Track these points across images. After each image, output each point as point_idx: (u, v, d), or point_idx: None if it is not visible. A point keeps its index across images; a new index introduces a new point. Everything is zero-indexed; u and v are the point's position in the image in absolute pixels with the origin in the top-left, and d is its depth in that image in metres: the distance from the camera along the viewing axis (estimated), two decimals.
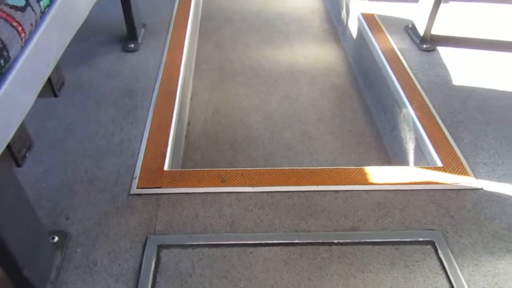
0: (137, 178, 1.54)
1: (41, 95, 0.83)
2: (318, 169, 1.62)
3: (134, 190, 1.50)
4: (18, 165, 0.90)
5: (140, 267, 1.27)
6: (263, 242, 1.36)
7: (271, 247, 1.34)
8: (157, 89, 1.98)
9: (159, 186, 1.52)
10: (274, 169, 1.61)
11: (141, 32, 2.35)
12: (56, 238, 1.33)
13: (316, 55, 2.88)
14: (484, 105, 1.93)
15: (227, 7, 3.45)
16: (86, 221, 1.40)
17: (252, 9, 3.42)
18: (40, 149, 1.63)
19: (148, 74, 2.07)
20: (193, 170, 1.60)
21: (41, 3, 0.80)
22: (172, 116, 1.83)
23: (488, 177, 1.58)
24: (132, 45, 2.26)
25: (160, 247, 1.33)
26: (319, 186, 1.53)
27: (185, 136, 2.20)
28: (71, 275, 1.25)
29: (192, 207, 1.45)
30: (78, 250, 1.31)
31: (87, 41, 2.30)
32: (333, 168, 1.62)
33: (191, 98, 2.46)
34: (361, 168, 1.63)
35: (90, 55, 2.20)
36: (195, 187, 1.52)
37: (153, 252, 1.31)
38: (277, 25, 3.21)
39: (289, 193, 1.51)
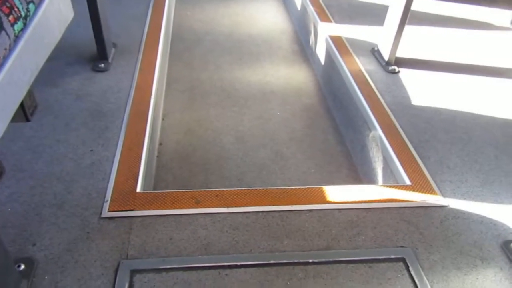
0: (109, 201, 1.51)
1: (13, 119, 0.81)
2: (292, 188, 1.63)
3: (106, 213, 1.46)
4: None
5: None
6: (238, 263, 1.35)
7: (246, 269, 1.34)
8: (129, 109, 1.95)
9: (132, 208, 1.49)
10: (249, 190, 1.61)
11: (111, 52, 2.33)
12: (23, 266, 1.27)
13: (286, 75, 2.94)
14: (447, 125, 2.02)
15: (197, 28, 3.48)
16: (54, 247, 1.35)
17: (222, 30, 3.47)
18: (6, 172, 1.57)
19: (119, 94, 2.05)
20: (166, 192, 1.59)
21: (15, 26, 0.79)
22: (144, 137, 1.81)
23: (454, 194, 1.65)
24: (102, 65, 2.24)
25: (133, 272, 1.30)
26: (293, 206, 1.55)
27: (157, 156, 2.18)
28: None
29: (166, 230, 1.43)
30: (46, 278, 1.26)
31: (55, 61, 2.26)
32: (306, 188, 1.64)
33: (163, 119, 2.45)
34: (334, 187, 1.66)
35: (59, 75, 2.16)
36: (169, 209, 1.50)
37: (125, 278, 1.28)
38: (247, 46, 3.26)
39: (264, 213, 1.52)
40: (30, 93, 0.94)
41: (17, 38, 0.80)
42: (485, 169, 1.78)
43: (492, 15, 3.17)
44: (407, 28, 2.33)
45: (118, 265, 1.31)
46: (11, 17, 0.77)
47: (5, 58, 0.76)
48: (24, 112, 0.93)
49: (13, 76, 0.77)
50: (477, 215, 1.57)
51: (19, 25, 0.80)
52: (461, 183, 1.70)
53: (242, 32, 3.46)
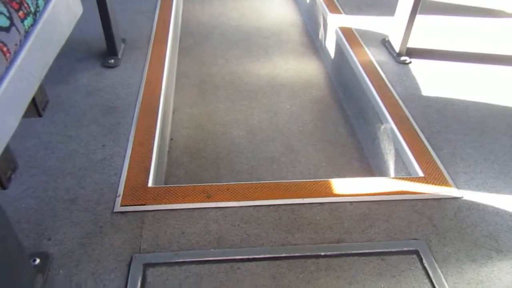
0: (121, 196, 1.51)
1: (26, 115, 0.82)
2: (303, 182, 1.63)
3: (118, 208, 1.47)
4: (4, 187, 0.88)
5: (126, 287, 1.24)
6: (250, 257, 1.35)
7: (258, 262, 1.34)
8: (139, 105, 1.96)
9: (144, 203, 1.50)
10: (259, 183, 1.61)
11: (121, 48, 2.33)
12: (38, 260, 1.29)
13: (296, 68, 2.92)
14: (460, 115, 1.99)
15: (206, 22, 3.47)
16: (68, 242, 1.36)
17: (231, 24, 3.45)
18: (19, 168, 1.59)
19: (129, 90, 2.06)
20: (177, 186, 1.59)
21: (25, 22, 0.79)
22: (154, 132, 1.82)
23: (468, 186, 1.63)
24: (112, 61, 2.25)
25: (146, 266, 1.31)
26: (304, 199, 1.54)
27: (168, 151, 2.19)
28: None
29: (177, 224, 1.43)
30: (60, 272, 1.28)
31: (65, 58, 2.27)
32: (317, 181, 1.63)
33: (173, 113, 2.45)
34: (345, 180, 1.65)
35: (69, 71, 2.17)
36: (180, 203, 1.51)
37: (138, 272, 1.29)
38: (256, 39, 3.25)
39: (275, 206, 1.51)
40: (41, 89, 0.95)
41: (27, 33, 0.81)
42: (500, 159, 1.75)
43: (505, 2, 3.10)
44: (419, 18, 2.29)
45: (131, 259, 1.32)
46: (20, 13, 0.78)
47: (16, 53, 0.76)
48: (36, 108, 0.93)
49: (24, 71, 0.78)
50: (492, 206, 1.55)
51: (29, 20, 0.80)
52: (475, 174, 1.68)
53: (251, 25, 3.44)
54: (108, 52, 2.27)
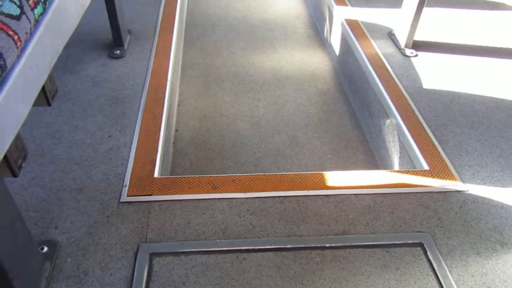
0: (127, 186, 1.53)
1: (35, 104, 0.82)
2: (308, 174, 1.63)
3: (125, 198, 1.49)
4: (15, 175, 0.88)
5: (133, 276, 1.26)
6: (256, 247, 1.36)
7: (264, 253, 1.35)
8: (145, 95, 1.97)
9: (150, 193, 1.51)
10: (265, 175, 1.61)
11: (127, 39, 2.33)
12: (46, 248, 1.30)
13: (301, 61, 2.91)
14: (467, 109, 1.98)
15: (211, 13, 3.46)
16: (76, 231, 1.38)
17: (236, 15, 3.44)
18: (28, 157, 1.60)
19: (135, 80, 2.06)
20: (183, 177, 1.60)
21: (35, 11, 0.79)
22: (160, 123, 1.82)
23: (473, 179, 1.63)
24: (118, 52, 2.25)
25: (152, 255, 1.32)
26: (310, 191, 1.55)
27: (173, 142, 2.19)
28: (61, 285, 1.23)
29: (184, 214, 1.44)
30: (68, 260, 1.29)
31: (72, 48, 2.28)
32: (323, 173, 1.64)
33: (178, 105, 2.46)
34: (351, 172, 1.65)
35: (76, 62, 2.18)
36: (186, 194, 1.52)
37: (145, 261, 1.30)
38: (261, 31, 3.24)
39: (281, 198, 1.52)
40: (50, 78, 0.95)
41: (37, 22, 0.81)
42: (506, 153, 1.75)
43: None
44: (426, 10, 2.28)
45: (137, 248, 1.33)
46: (31, 2, 0.78)
47: (27, 42, 0.76)
48: (45, 96, 0.94)
49: (34, 60, 0.78)
50: (498, 199, 1.55)
51: (38, 9, 0.81)
52: (480, 168, 1.67)
53: (256, 17, 3.43)
54: (114, 43, 2.28)
